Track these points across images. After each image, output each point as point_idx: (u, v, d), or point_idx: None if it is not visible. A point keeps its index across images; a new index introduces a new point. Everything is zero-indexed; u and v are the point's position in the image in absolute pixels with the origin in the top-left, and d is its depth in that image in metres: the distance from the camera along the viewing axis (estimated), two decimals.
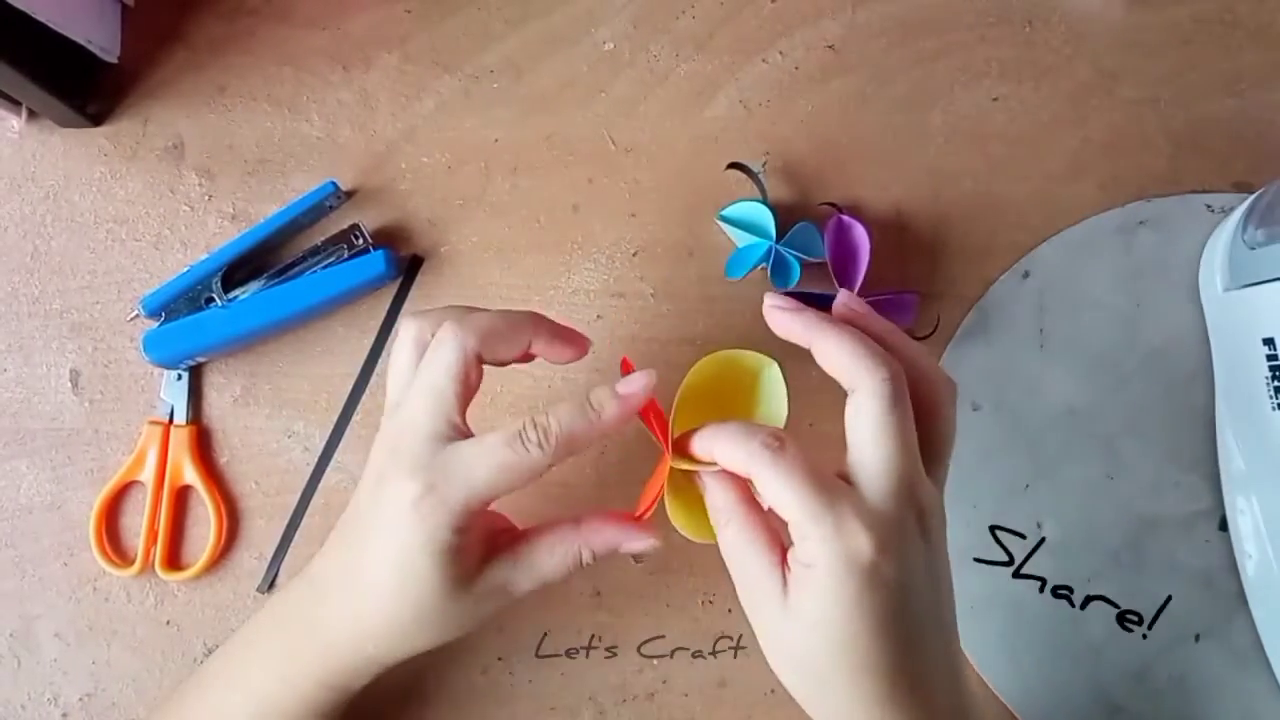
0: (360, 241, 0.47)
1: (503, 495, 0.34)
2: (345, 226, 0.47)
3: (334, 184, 0.47)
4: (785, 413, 0.36)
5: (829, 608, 0.30)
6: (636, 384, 0.34)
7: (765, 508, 0.34)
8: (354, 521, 0.36)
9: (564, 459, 0.34)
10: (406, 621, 0.34)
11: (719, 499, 0.34)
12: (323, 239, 0.47)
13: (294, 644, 0.37)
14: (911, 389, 0.32)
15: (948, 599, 0.34)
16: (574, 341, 0.38)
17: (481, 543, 0.35)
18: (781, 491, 0.31)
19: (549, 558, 0.35)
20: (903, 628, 0.31)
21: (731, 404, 0.37)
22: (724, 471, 0.34)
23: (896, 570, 0.30)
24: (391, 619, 0.34)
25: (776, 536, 0.33)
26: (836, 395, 0.33)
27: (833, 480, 0.31)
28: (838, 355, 0.33)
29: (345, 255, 0.47)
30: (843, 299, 0.36)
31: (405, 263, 0.48)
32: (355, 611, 0.35)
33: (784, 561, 0.32)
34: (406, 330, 0.36)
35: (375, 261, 0.46)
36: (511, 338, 0.36)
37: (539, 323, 0.37)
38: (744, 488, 0.34)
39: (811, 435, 0.46)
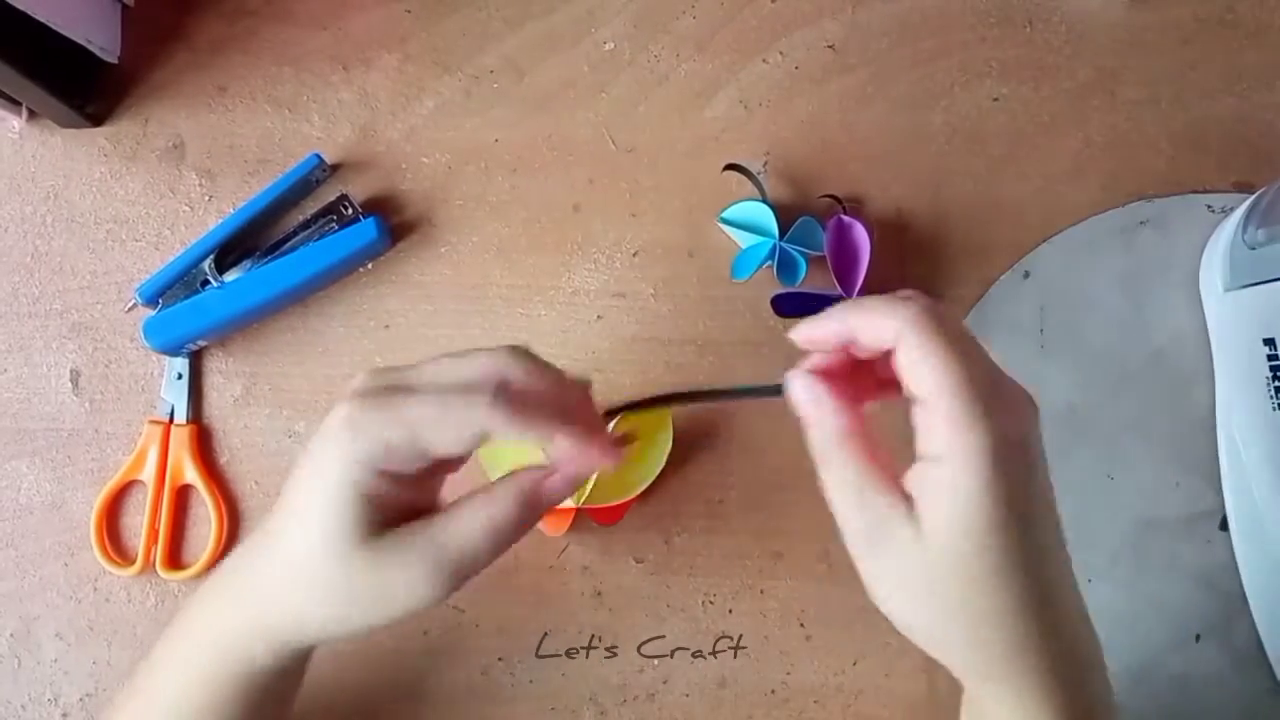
0: (349, 211, 0.47)
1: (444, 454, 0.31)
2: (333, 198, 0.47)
3: (318, 156, 0.47)
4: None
5: (963, 506, 0.28)
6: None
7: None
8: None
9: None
10: (318, 563, 0.31)
11: (820, 434, 0.31)
12: (311, 212, 0.47)
13: (226, 601, 0.35)
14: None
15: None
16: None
17: (405, 506, 0.32)
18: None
19: (471, 514, 0.32)
20: (1036, 531, 0.30)
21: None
22: (823, 405, 0.31)
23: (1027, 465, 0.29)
24: (305, 553, 0.32)
25: (888, 461, 0.30)
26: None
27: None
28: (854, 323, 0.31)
29: (335, 226, 0.47)
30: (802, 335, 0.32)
31: (396, 230, 0.48)
32: (275, 554, 0.33)
33: (899, 488, 0.30)
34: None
35: (366, 229, 0.46)
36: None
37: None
38: (849, 420, 0.31)
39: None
